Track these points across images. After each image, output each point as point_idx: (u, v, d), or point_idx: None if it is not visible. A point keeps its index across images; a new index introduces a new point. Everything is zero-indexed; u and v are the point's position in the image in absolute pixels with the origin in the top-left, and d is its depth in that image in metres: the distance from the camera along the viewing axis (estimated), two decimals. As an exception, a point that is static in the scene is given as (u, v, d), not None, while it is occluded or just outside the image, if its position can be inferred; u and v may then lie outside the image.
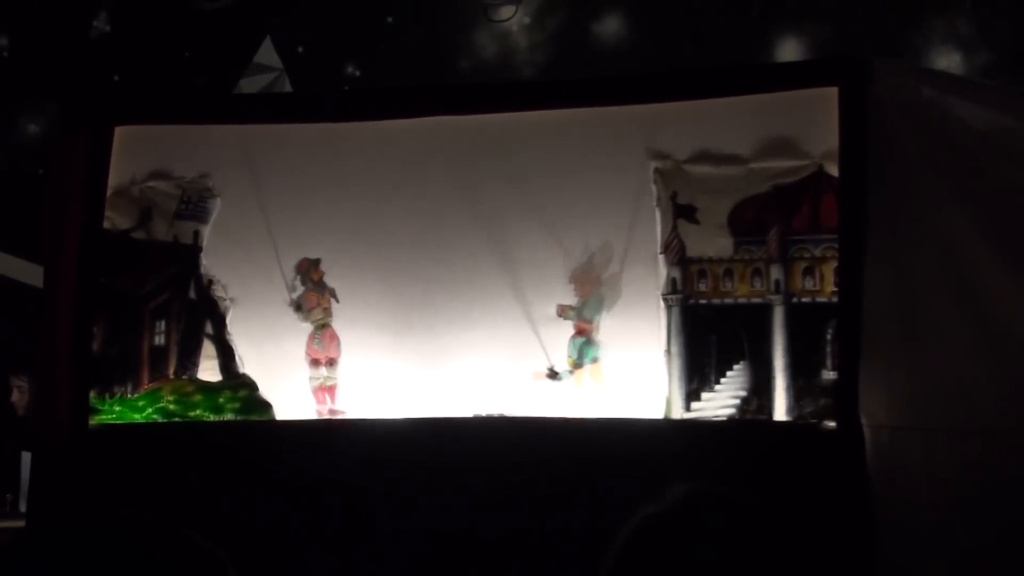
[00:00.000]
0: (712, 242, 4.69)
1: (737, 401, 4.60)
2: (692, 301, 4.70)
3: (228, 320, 5.13)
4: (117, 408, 5.08)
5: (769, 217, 4.64)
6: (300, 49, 9.28)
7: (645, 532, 1.83)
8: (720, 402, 4.62)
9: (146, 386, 5.11)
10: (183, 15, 9.12)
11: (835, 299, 4.49)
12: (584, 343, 4.82)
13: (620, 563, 1.83)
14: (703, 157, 4.73)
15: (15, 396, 7.54)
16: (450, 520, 4.61)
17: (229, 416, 5.04)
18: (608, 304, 4.81)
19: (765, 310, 4.61)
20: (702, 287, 4.69)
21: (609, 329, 4.80)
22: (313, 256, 5.07)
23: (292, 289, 5.08)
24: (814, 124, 4.57)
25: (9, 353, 7.81)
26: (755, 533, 1.82)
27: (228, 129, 5.30)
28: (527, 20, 8.92)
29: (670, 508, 1.85)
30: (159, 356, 5.13)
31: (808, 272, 4.58)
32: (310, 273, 5.07)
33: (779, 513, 1.84)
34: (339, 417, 5.02)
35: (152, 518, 1.59)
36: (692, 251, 4.71)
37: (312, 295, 5.08)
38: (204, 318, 5.15)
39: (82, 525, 1.57)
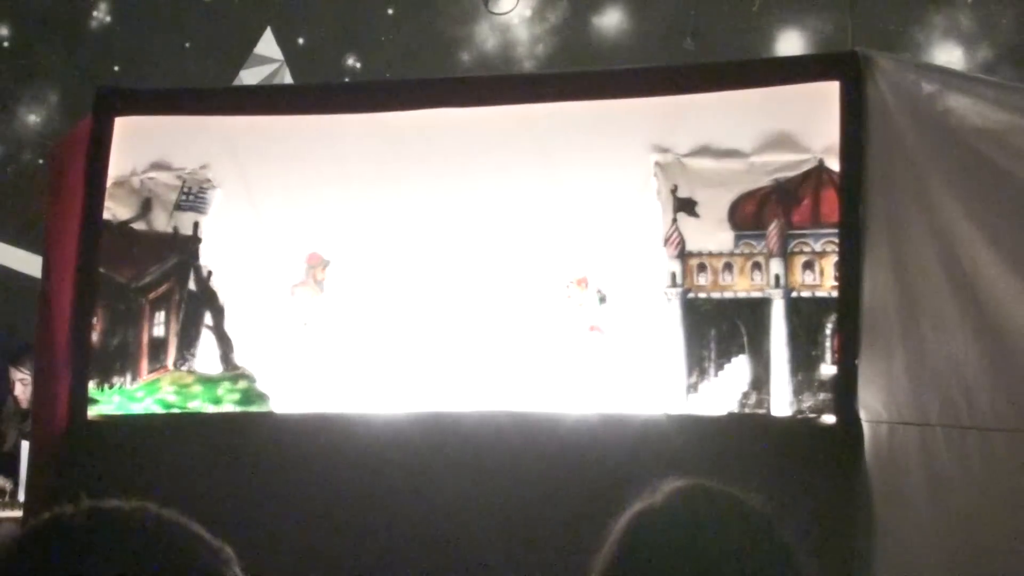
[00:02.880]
0: (712, 236, 4.69)
1: (736, 395, 4.60)
2: (692, 295, 4.70)
3: (227, 311, 5.13)
4: (116, 398, 5.08)
5: (769, 211, 4.64)
6: (300, 41, 9.28)
7: (636, 526, 1.84)
8: (719, 396, 4.62)
9: (145, 377, 5.11)
10: (184, 6, 9.12)
11: (835, 294, 4.49)
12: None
13: (614, 557, 1.83)
14: (704, 151, 4.73)
15: (18, 389, 7.53)
16: (449, 512, 4.61)
17: (228, 407, 5.04)
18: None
19: (764, 304, 4.61)
20: (702, 281, 4.69)
21: (609, 323, 4.80)
22: (324, 256, 5.07)
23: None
24: (815, 119, 4.57)
25: (11, 345, 7.80)
26: (746, 525, 1.83)
27: (228, 120, 5.30)
28: (528, 13, 8.92)
29: (661, 502, 1.85)
30: (158, 347, 5.13)
31: (808, 266, 4.59)
32: (316, 270, 5.07)
33: (775, 506, 1.84)
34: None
35: (157, 510, 1.59)
36: (692, 245, 4.71)
37: (306, 290, 5.08)
38: (204, 309, 5.15)
39: (87, 515, 1.56)
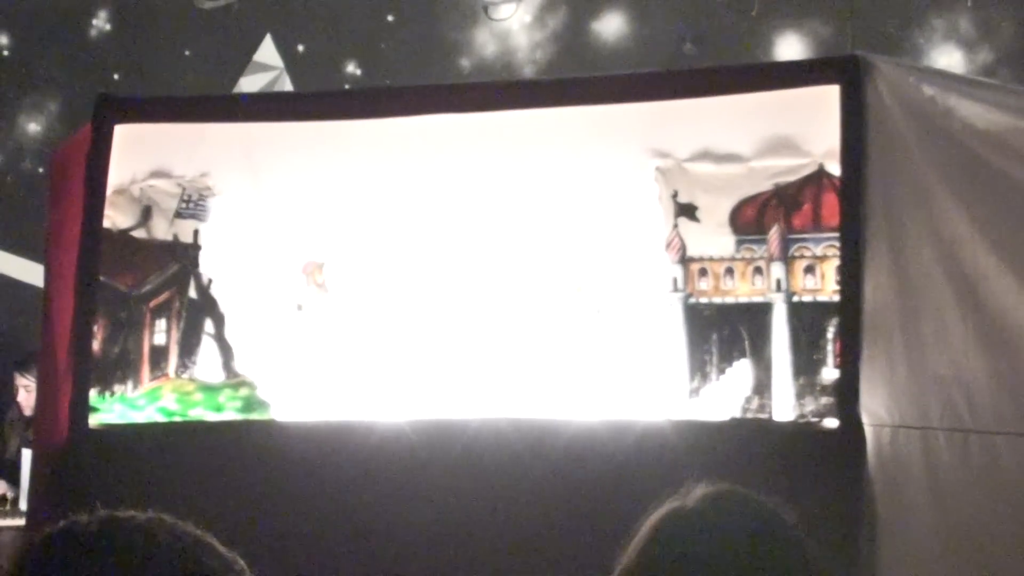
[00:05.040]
0: (713, 240, 4.69)
1: (738, 400, 4.60)
2: (693, 300, 4.69)
3: (228, 319, 5.13)
4: (117, 407, 5.08)
5: (770, 216, 4.64)
6: (300, 48, 9.27)
7: (666, 526, 1.84)
8: (721, 401, 4.62)
9: (146, 385, 5.11)
10: (183, 14, 9.11)
11: (836, 298, 4.49)
12: None
13: (643, 553, 1.83)
14: (704, 156, 4.73)
15: (21, 395, 7.54)
16: (451, 521, 4.61)
17: (230, 415, 5.04)
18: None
19: (766, 309, 4.61)
20: (703, 286, 4.69)
21: (610, 328, 4.79)
22: (318, 259, 5.07)
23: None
24: (815, 122, 4.57)
25: (15, 352, 7.81)
26: (775, 535, 1.83)
27: (228, 128, 5.30)
28: (527, 18, 8.91)
29: (692, 505, 1.85)
30: (159, 355, 5.13)
31: (809, 270, 4.58)
32: (315, 276, 5.07)
33: (798, 515, 1.85)
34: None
35: (173, 521, 1.59)
36: (693, 250, 4.70)
37: (311, 293, 5.08)
38: (204, 317, 5.15)
39: (101, 524, 1.56)
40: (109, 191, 5.15)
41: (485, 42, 9.02)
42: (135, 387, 5.11)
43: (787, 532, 1.84)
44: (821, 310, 4.54)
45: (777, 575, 1.79)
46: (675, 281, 4.71)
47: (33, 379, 7.17)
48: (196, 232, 5.17)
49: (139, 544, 1.54)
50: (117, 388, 5.10)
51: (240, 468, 4.85)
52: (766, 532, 1.83)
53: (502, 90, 5.61)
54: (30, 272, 8.48)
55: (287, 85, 9.15)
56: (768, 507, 1.86)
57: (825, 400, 4.46)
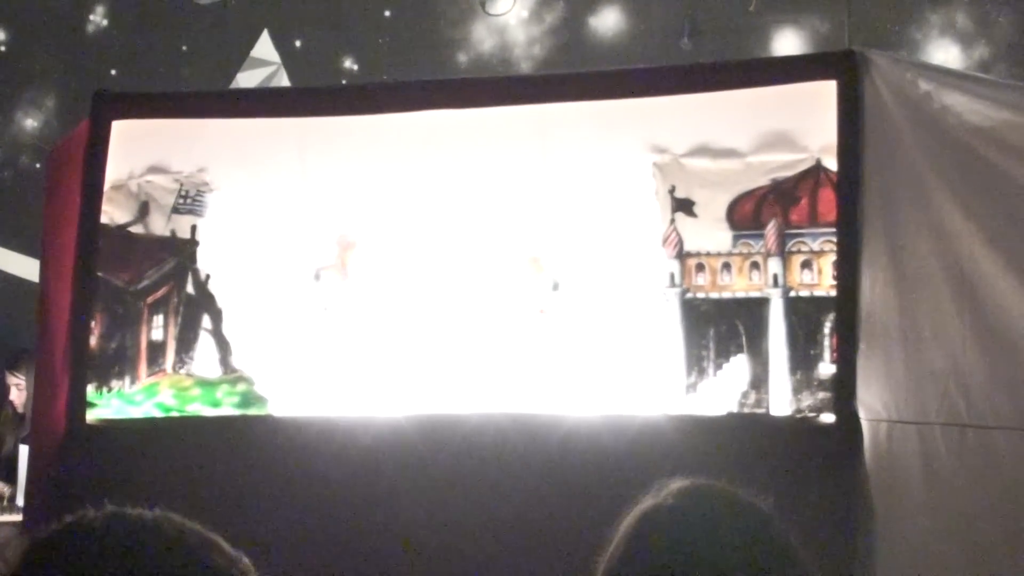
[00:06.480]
0: (710, 236, 4.69)
1: (735, 395, 4.60)
2: (690, 295, 4.70)
3: (226, 314, 5.13)
4: (115, 402, 5.08)
5: (767, 211, 4.64)
6: (297, 43, 9.27)
7: (644, 525, 1.84)
8: (718, 396, 4.62)
9: (144, 380, 5.11)
10: (180, 9, 9.11)
11: (833, 292, 4.49)
12: None
13: (622, 556, 1.83)
14: (701, 151, 4.73)
15: (13, 394, 7.54)
16: (449, 515, 4.61)
17: (227, 410, 5.04)
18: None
19: (763, 304, 4.61)
20: (700, 281, 4.69)
21: (607, 323, 4.80)
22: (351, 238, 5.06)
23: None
24: (812, 118, 4.57)
25: (7, 350, 7.81)
26: (753, 526, 1.83)
27: (225, 123, 5.30)
28: (525, 14, 8.91)
29: (671, 502, 1.85)
30: (157, 350, 5.13)
31: (806, 266, 4.59)
32: (346, 253, 5.05)
33: (775, 506, 1.85)
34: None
35: (180, 520, 1.59)
36: (690, 245, 4.71)
37: (334, 274, 5.06)
38: (202, 312, 5.15)
39: (109, 520, 1.57)
40: (106, 186, 5.15)
41: (482, 37, 9.02)
42: (132, 382, 5.11)
43: (764, 524, 1.84)
44: (818, 305, 4.54)
45: (755, 567, 1.79)
46: (672, 276, 4.71)
47: (22, 377, 7.18)
48: (194, 228, 5.17)
49: (146, 541, 1.54)
50: (114, 383, 5.10)
51: (237, 463, 4.85)
52: (742, 525, 1.82)
53: (499, 86, 5.61)
54: (24, 267, 8.48)
55: (284, 80, 9.15)
56: (744, 500, 1.86)
57: (822, 395, 4.47)
